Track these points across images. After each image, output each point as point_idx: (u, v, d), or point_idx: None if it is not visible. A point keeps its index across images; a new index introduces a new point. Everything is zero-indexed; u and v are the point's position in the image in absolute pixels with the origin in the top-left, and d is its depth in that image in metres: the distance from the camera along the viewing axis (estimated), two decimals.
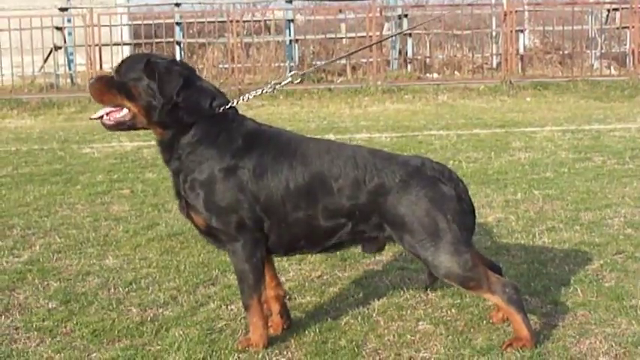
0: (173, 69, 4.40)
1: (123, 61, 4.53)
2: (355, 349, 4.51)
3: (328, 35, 23.79)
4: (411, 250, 4.44)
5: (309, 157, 4.47)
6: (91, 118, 4.64)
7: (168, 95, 4.34)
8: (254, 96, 4.95)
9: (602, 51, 23.17)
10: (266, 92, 4.98)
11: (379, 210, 4.42)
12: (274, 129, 4.68)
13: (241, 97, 4.78)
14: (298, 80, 5.05)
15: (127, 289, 5.63)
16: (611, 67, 22.50)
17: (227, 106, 4.52)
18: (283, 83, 5.02)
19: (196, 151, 4.43)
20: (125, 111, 4.44)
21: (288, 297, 5.07)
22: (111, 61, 21.23)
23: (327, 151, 4.53)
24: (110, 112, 4.48)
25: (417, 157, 4.63)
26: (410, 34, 23.04)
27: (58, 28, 22.28)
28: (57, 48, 22.07)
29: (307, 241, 4.55)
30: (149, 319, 5.04)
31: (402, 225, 4.40)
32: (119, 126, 4.49)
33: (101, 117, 4.49)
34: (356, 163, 4.45)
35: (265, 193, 4.40)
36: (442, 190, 4.42)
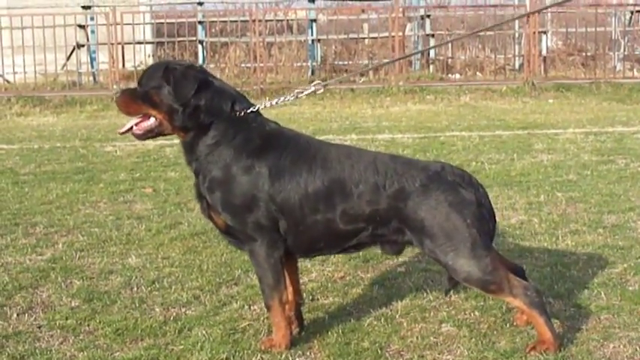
0: (189, 74, 4.48)
1: (144, 72, 4.65)
2: (378, 350, 4.51)
3: (351, 35, 23.74)
4: (431, 254, 4.46)
5: (329, 161, 4.49)
6: (119, 133, 4.71)
7: (182, 99, 4.43)
8: (276, 103, 5.00)
9: (625, 53, 23.06)
10: (288, 100, 5.00)
11: (399, 215, 4.43)
12: (294, 132, 4.71)
13: (262, 104, 4.79)
14: (321, 90, 5.02)
15: (149, 288, 5.65)
16: (634, 69, 22.39)
17: (248, 111, 4.56)
18: (305, 93, 5.01)
19: (214, 151, 4.49)
20: (152, 119, 4.55)
21: (304, 303, 5.07)
22: (133, 59, 21.36)
23: (347, 156, 4.55)
24: (138, 122, 4.59)
25: (437, 163, 4.65)
26: (432, 35, 23.00)
27: (81, 26, 22.30)
28: (80, 46, 22.11)
29: (327, 243, 4.58)
30: (172, 318, 5.05)
31: (422, 229, 4.40)
32: (148, 134, 4.61)
33: (130, 128, 4.60)
34: (376, 169, 4.46)
35: (282, 195, 4.42)
36: (462, 195, 4.43)
